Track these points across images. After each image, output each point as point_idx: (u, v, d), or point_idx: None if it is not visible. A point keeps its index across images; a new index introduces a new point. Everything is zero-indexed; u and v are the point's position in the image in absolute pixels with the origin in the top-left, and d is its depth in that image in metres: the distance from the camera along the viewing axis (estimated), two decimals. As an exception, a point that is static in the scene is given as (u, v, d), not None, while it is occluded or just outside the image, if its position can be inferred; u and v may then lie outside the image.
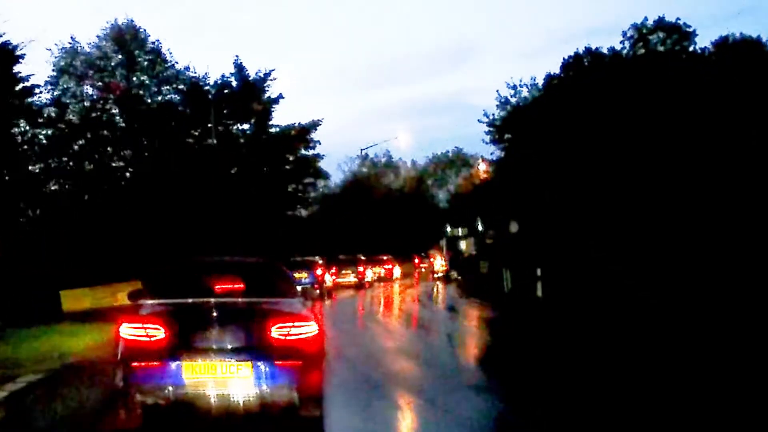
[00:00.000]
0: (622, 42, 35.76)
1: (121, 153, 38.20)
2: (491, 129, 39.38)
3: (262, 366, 7.03)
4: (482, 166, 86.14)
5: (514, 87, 37.57)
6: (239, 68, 40.19)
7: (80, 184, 36.54)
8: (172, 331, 7.07)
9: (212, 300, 7.55)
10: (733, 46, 33.91)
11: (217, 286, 7.92)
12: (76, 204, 35.53)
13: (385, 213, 63.33)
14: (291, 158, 42.41)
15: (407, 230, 64.48)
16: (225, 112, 39.77)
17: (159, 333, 7.05)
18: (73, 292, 25.23)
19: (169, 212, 34.34)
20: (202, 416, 7.14)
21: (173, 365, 6.97)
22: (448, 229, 52.79)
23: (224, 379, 6.99)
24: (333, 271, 38.09)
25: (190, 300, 7.62)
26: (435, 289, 37.08)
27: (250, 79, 40.32)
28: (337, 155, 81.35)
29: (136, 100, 38.22)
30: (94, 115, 37.28)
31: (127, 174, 38.28)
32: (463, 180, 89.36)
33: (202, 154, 37.64)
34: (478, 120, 39.62)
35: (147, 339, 7.07)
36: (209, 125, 37.69)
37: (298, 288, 8.79)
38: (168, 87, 39.35)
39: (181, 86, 39.45)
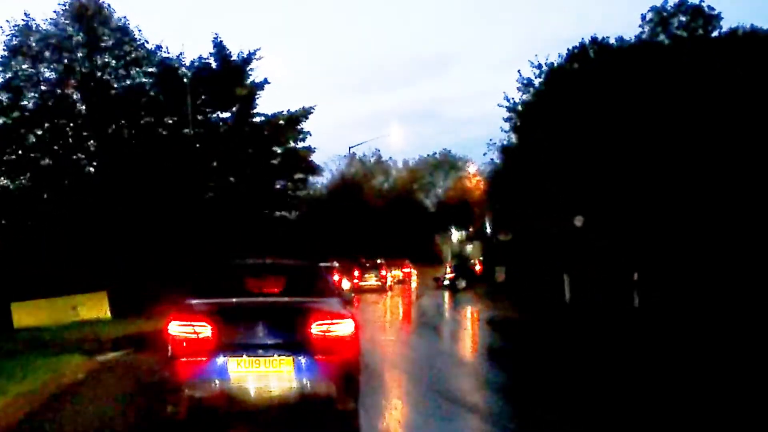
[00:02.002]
0: (641, 26, 33.69)
1: (84, 144, 34.91)
2: (512, 115, 36.47)
3: (303, 361, 7.70)
4: (472, 169, 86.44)
5: (539, 66, 34.63)
6: (219, 48, 36.99)
7: (37, 180, 33.38)
8: (218, 329, 7.79)
9: (256, 299, 8.62)
10: (743, 38, 32.35)
11: (259, 286, 8.94)
12: (32, 203, 32.67)
13: (378, 215, 61.09)
14: (279, 151, 39.27)
15: (400, 233, 62.86)
16: (203, 97, 36.47)
17: (206, 330, 7.77)
18: (26, 305, 22.77)
19: (139, 212, 31.57)
20: (245, 408, 7.87)
21: (220, 361, 7.68)
22: (453, 232, 50.28)
23: (267, 373, 7.70)
24: (356, 274, 40.95)
25: (234, 299, 8.38)
26: (457, 301, 33.70)
27: (232, 60, 37.15)
28: (318, 158, 79.32)
29: (101, 84, 34.96)
30: (51, 101, 34.08)
31: (91, 169, 35.05)
32: (458, 181, 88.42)
33: (178, 146, 34.56)
34: (498, 104, 36.65)
35: (195, 336, 7.77)
36: (185, 112, 34.60)
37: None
38: (137, 69, 36.00)
39: (152, 69, 36.17)
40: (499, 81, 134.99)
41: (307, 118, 38.67)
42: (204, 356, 7.69)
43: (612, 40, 33.84)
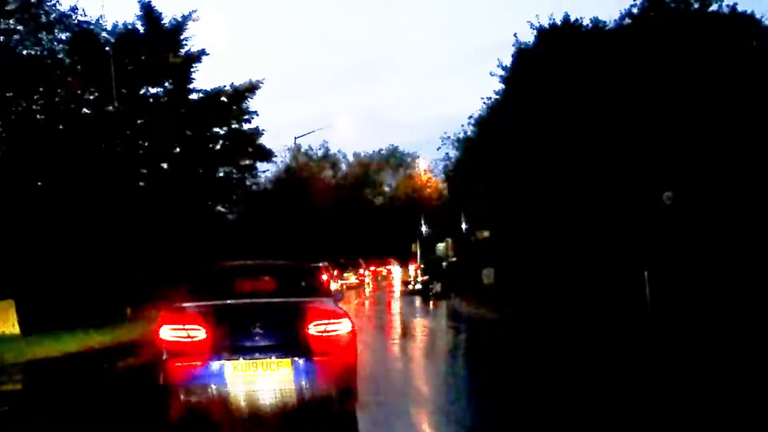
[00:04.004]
0: (633, 3, 31.38)
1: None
2: (504, 86, 33.40)
3: (301, 362, 7.79)
4: (423, 165, 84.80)
5: (540, 28, 31.53)
6: (147, 9, 33.19)
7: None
8: (213, 332, 7.84)
9: (251, 300, 8.72)
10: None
11: (251, 287, 9.33)
12: None
13: (328, 212, 58.59)
14: (221, 132, 35.59)
15: (357, 232, 63.25)
16: (129, 68, 32.74)
17: (200, 334, 7.81)
18: None
19: (53, 207, 28.21)
20: (243, 412, 7.75)
21: (216, 364, 7.70)
22: (424, 229, 47.86)
23: (265, 375, 7.75)
24: (336, 273, 42.18)
25: (228, 301, 8.47)
26: (455, 308, 29.82)
27: (164, 24, 33.38)
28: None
29: (5, 52, 30.80)
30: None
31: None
32: (408, 178, 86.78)
33: (100, 125, 31.03)
34: (490, 73, 33.59)
35: (189, 340, 7.83)
36: (108, 85, 30.75)
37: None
38: (48, 35, 31.88)
39: (66, 34, 32.10)
40: (437, 87, 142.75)
41: (254, 93, 35.25)
42: (199, 360, 7.67)
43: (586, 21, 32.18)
